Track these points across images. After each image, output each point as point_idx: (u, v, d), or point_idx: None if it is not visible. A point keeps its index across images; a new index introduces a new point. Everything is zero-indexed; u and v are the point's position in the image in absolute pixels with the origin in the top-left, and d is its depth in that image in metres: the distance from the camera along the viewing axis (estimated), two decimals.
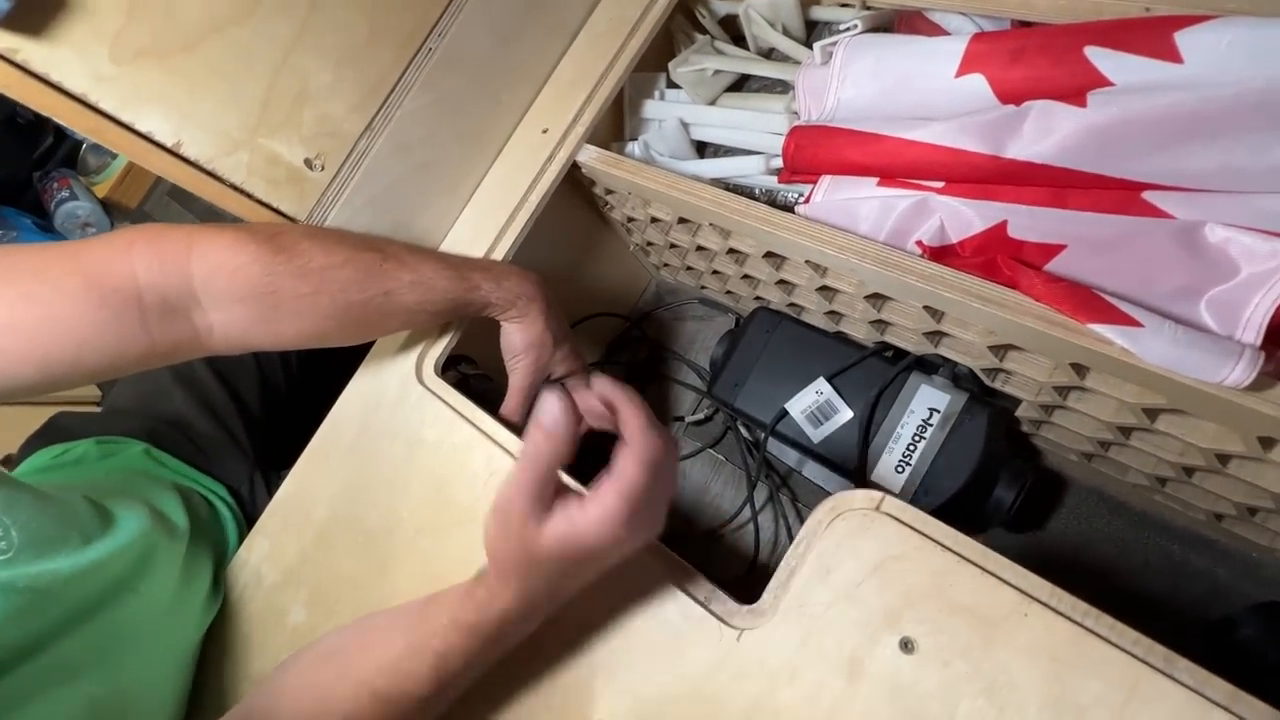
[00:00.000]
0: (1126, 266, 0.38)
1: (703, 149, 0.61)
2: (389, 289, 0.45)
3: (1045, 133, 0.39)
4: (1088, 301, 0.36)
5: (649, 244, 0.68)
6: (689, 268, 0.67)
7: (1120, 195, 0.39)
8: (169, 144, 0.44)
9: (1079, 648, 0.30)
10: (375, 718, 0.34)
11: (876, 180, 0.46)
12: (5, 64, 0.38)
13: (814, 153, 0.48)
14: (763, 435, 0.59)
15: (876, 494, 0.36)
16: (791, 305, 0.59)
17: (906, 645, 0.33)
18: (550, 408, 0.32)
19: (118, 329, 0.39)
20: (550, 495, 0.33)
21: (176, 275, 0.40)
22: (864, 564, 0.35)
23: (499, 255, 0.56)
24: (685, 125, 0.58)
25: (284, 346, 0.46)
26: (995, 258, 0.40)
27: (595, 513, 0.31)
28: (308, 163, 0.50)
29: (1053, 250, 0.40)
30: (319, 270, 0.43)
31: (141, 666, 0.44)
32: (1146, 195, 0.38)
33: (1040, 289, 0.38)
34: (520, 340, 0.51)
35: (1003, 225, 0.41)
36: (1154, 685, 0.29)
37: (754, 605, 0.37)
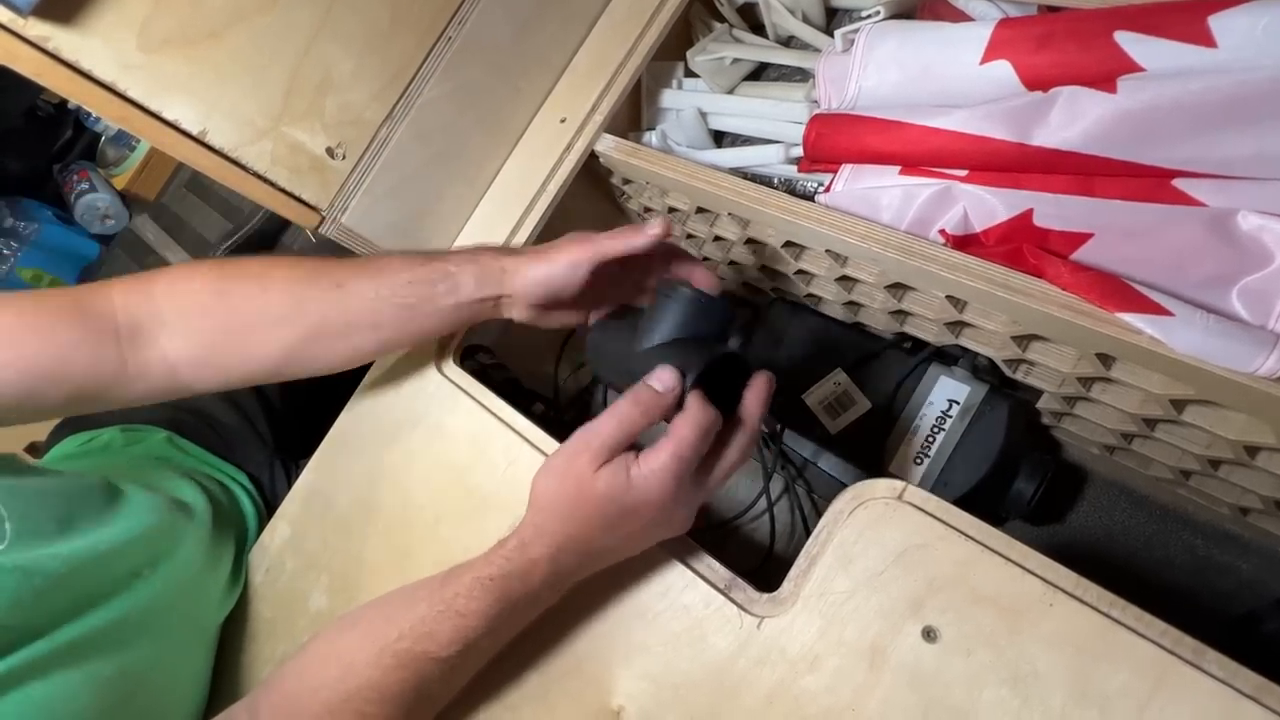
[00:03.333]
0: (1156, 255, 0.37)
1: (721, 138, 0.60)
2: (339, 280, 0.43)
3: (1073, 119, 0.38)
4: (1116, 290, 0.36)
5: None
6: (705, 258, 0.67)
7: (1150, 183, 0.38)
8: (195, 132, 0.44)
9: (1105, 638, 0.30)
10: (398, 681, 0.35)
11: (899, 169, 0.45)
12: (36, 51, 0.38)
13: (835, 141, 0.47)
14: (779, 426, 0.59)
15: (899, 483, 0.36)
16: (809, 296, 0.59)
17: (929, 634, 0.33)
18: (665, 376, 0.35)
19: (94, 345, 0.41)
20: (622, 449, 0.34)
21: (144, 295, 0.42)
22: (886, 553, 0.35)
23: (516, 245, 0.56)
24: (703, 114, 0.58)
25: (253, 369, 0.44)
26: (1020, 246, 0.40)
27: (647, 465, 0.33)
28: (329, 151, 0.50)
29: (1079, 239, 0.39)
30: (265, 269, 0.44)
31: (158, 649, 0.44)
32: (1177, 182, 0.38)
33: (1067, 278, 0.37)
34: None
35: (1028, 214, 0.40)
36: (1181, 676, 0.29)
37: (774, 593, 0.37)
